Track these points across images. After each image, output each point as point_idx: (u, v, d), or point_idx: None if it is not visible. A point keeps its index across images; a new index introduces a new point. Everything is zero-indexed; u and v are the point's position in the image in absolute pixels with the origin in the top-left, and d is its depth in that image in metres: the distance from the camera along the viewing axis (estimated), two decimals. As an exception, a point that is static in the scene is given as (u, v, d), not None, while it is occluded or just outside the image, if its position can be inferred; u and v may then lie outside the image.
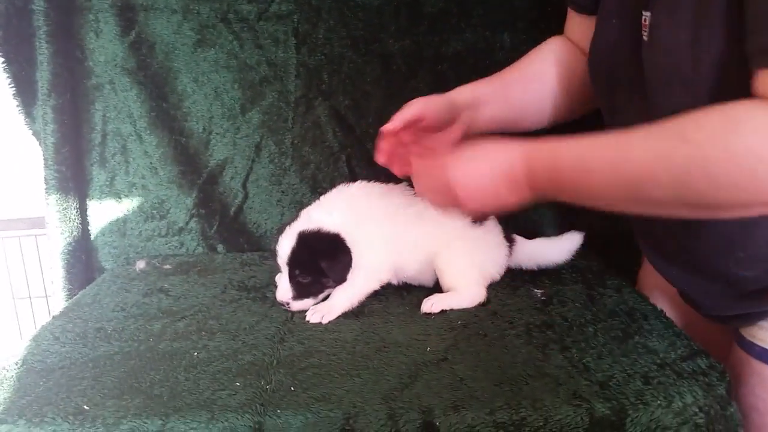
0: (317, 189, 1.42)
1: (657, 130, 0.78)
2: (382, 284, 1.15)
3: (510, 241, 1.22)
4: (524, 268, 1.26)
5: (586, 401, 0.80)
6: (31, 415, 0.80)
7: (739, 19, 0.74)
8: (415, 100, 1.01)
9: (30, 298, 1.67)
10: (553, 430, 0.78)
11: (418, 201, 1.14)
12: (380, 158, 1.04)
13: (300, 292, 1.09)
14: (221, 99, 1.40)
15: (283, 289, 1.09)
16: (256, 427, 0.78)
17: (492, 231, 1.20)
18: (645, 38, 0.89)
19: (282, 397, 0.82)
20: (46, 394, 0.85)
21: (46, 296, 1.64)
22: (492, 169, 0.93)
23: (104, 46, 1.36)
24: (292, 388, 0.84)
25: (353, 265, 1.09)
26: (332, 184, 1.22)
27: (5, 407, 0.82)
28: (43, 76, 1.30)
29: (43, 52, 1.29)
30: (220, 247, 1.45)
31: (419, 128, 1.02)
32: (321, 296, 1.11)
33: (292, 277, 1.08)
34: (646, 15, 0.89)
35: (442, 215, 1.12)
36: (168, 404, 0.81)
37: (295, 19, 1.37)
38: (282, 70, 1.39)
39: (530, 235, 1.27)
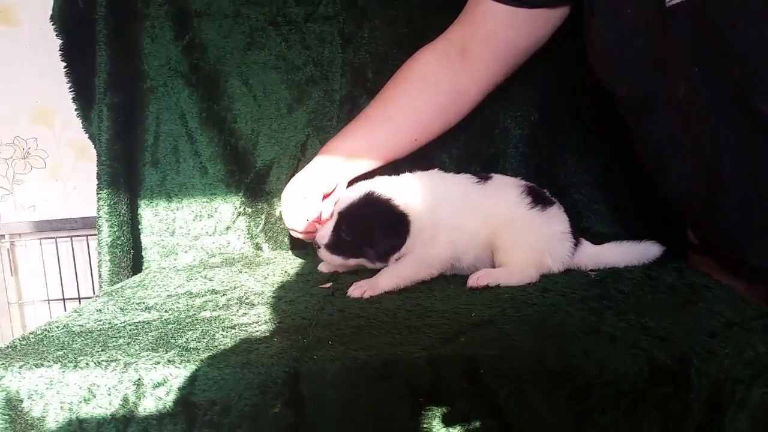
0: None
1: None
2: (432, 277, 1.10)
3: (575, 239, 1.14)
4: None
5: (646, 351, 0.74)
6: (66, 361, 0.79)
7: None
8: (307, 198, 1.16)
9: (79, 298, 1.70)
10: (610, 380, 0.72)
11: (481, 188, 1.12)
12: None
13: (335, 245, 1.07)
14: (269, 99, 1.42)
15: (323, 233, 1.07)
16: (292, 372, 0.75)
17: (556, 220, 1.13)
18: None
19: (319, 348, 0.79)
20: (83, 348, 0.84)
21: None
22: None
23: (159, 51, 1.41)
24: (330, 342, 0.81)
25: (410, 250, 1.06)
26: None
27: (42, 356, 0.81)
28: (100, 77, 1.34)
29: (102, 54, 1.34)
30: (265, 246, 1.44)
31: None
32: (351, 262, 1.09)
33: (337, 229, 1.06)
34: None
35: (503, 199, 1.10)
36: (203, 354, 0.79)
37: (341, 20, 1.40)
38: (328, 70, 1.42)
39: (582, 233, 1.21)
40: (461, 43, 1.21)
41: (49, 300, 1.78)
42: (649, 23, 0.99)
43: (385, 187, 1.09)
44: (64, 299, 1.75)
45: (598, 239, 1.19)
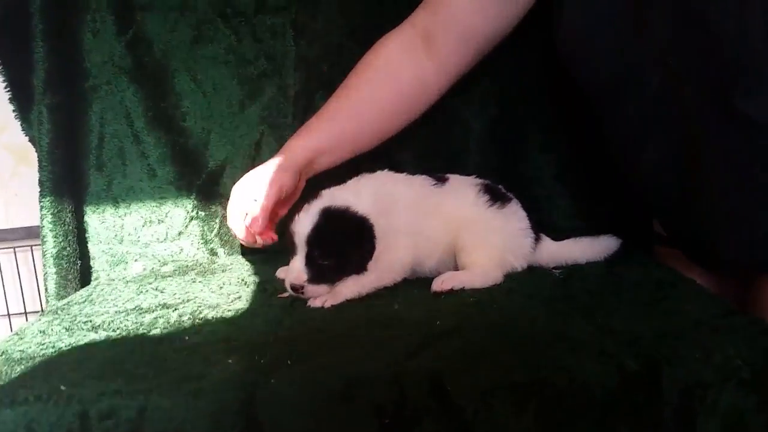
0: (321, 187, 1.36)
1: None
2: (396, 282, 1.06)
3: (536, 235, 1.13)
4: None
5: (615, 357, 0.72)
6: (2, 396, 0.73)
7: None
8: (273, 179, 1.10)
9: (26, 313, 1.62)
10: (579, 391, 0.70)
11: (439, 190, 1.09)
12: (253, 236, 1.10)
13: (317, 276, 0.96)
14: (220, 96, 1.36)
15: (297, 271, 0.96)
16: (247, 399, 0.70)
17: (516, 217, 1.11)
18: None
19: (277, 369, 0.75)
20: (22, 379, 0.78)
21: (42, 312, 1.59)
22: None
23: (101, 46, 1.33)
24: (289, 362, 0.77)
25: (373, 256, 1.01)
26: (335, 181, 1.15)
27: (-24, 390, 0.75)
28: (38, 75, 1.26)
29: (39, 51, 1.26)
30: (221, 251, 1.38)
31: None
32: (337, 284, 0.99)
33: (310, 258, 0.96)
34: None
35: (461, 200, 1.07)
36: (152, 382, 0.74)
37: (293, 11, 1.35)
38: (281, 64, 1.36)
39: (543, 228, 1.19)
40: (425, 29, 1.17)
41: (-8, 316, 1.69)
42: (622, 10, 0.96)
43: (336, 197, 1.02)
44: (9, 315, 1.66)
45: (561, 234, 1.17)
